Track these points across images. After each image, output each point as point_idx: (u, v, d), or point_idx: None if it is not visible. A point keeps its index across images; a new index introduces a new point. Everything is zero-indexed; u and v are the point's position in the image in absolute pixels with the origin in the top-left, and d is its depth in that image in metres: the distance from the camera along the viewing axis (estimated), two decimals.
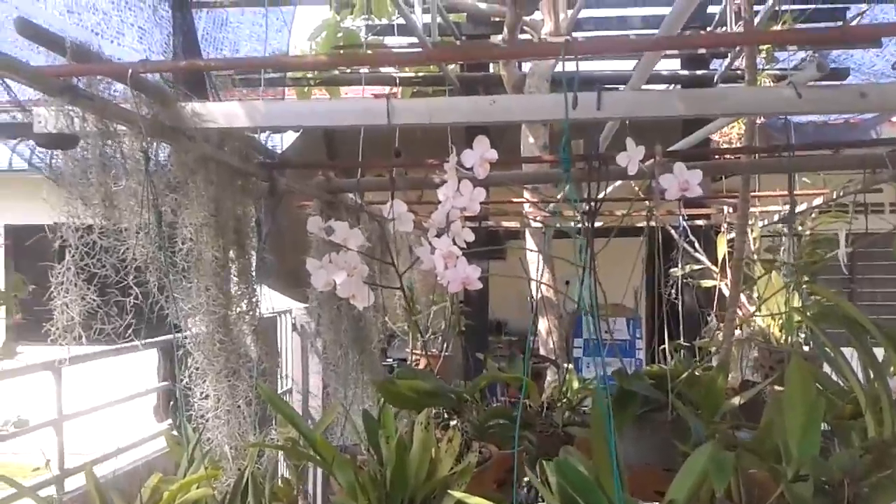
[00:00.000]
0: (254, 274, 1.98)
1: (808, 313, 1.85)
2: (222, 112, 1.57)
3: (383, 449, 1.60)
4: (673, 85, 5.19)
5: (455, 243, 1.96)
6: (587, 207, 1.65)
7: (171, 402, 4.34)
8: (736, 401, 2.23)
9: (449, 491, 1.44)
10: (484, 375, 2.10)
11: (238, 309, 1.93)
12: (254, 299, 1.98)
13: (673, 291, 3.77)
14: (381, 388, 1.75)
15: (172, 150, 1.59)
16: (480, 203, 1.86)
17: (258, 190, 2.03)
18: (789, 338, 2.94)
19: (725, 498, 1.52)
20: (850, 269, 6.82)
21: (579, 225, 1.60)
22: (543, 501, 3.11)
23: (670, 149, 1.96)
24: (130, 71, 1.39)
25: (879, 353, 1.84)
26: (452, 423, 1.97)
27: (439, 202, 1.84)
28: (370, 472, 1.57)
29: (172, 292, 1.65)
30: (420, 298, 4.10)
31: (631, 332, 10.60)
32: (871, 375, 1.84)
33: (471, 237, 2.01)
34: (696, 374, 2.01)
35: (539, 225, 4.10)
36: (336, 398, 2.70)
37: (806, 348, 2.97)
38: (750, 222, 3.95)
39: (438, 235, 1.93)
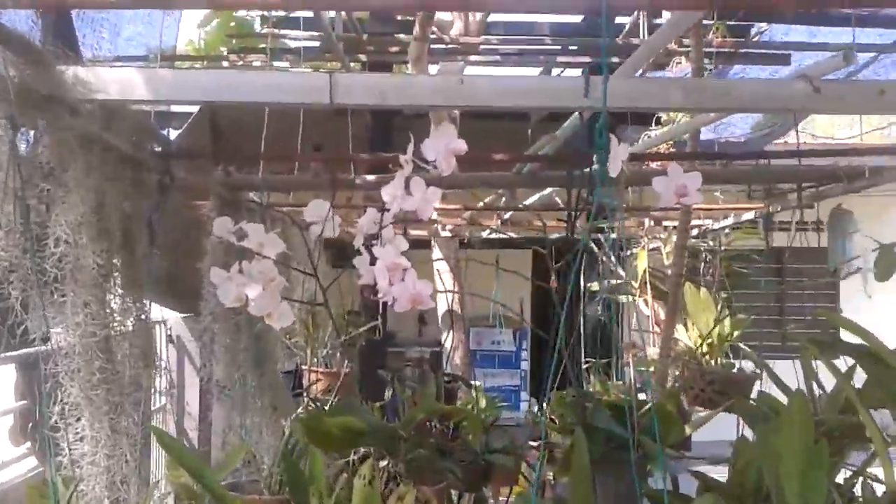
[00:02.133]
0: (143, 285, 1.62)
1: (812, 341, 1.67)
2: (116, 80, 1.22)
3: None
4: None
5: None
6: (569, 215, 1.40)
7: (31, 424, 3.83)
8: (687, 429, 2.04)
9: None
10: (421, 407, 1.82)
11: (123, 328, 1.57)
12: (143, 316, 1.62)
13: (581, 306, 3.60)
14: (306, 427, 1.43)
15: (47, 126, 1.23)
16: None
17: (151, 184, 1.67)
18: (718, 358, 2.81)
19: None
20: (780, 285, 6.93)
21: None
22: None
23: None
24: None
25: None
26: (382, 463, 1.67)
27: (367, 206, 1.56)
28: None
29: (43, 307, 1.28)
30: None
31: (517, 343, 10.57)
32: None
33: (404, 246, 1.73)
34: (658, 406, 1.80)
35: (448, 234, 3.85)
36: (231, 429, 2.34)
37: (734, 370, 2.85)
38: (663, 236, 3.85)
39: (366, 244, 1.64)
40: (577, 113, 1.92)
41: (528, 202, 3.18)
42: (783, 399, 1.97)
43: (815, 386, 2.21)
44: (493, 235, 4.56)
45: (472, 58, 4.61)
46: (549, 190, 2.88)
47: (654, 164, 3.00)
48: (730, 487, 1.54)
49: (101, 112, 1.47)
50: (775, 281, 7.58)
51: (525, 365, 10.48)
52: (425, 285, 1.37)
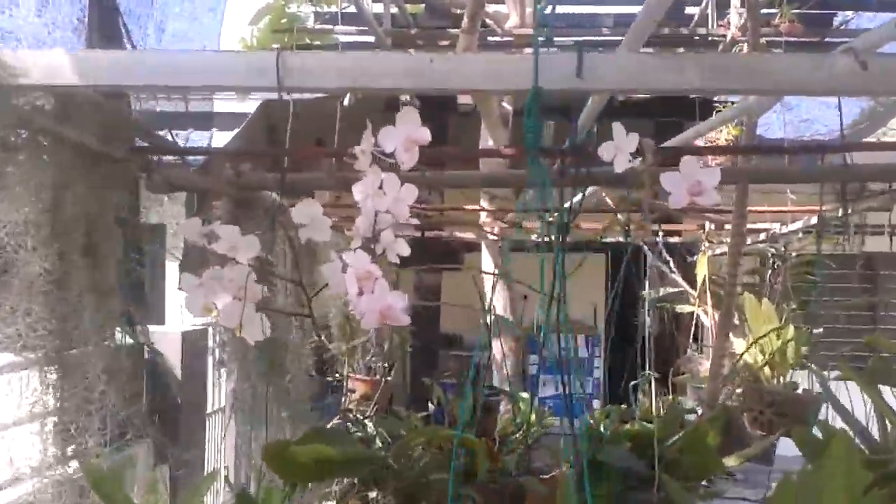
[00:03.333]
0: (111, 293, 1.49)
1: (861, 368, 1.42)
2: (40, 64, 1.08)
3: None
4: None
5: (378, 259, 1.50)
6: (557, 219, 1.20)
7: None
8: (731, 461, 1.80)
9: None
10: (419, 433, 1.64)
11: (88, 344, 1.43)
12: (109, 329, 1.48)
13: (639, 315, 3.35)
14: (270, 458, 1.27)
15: None
16: (432, 210, 1.42)
17: (125, 182, 1.54)
18: (782, 376, 2.53)
19: None
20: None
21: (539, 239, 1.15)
22: None
23: (662, 146, 1.54)
24: None
25: None
26: (371, 495, 1.50)
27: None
28: None
29: None
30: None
31: (589, 350, 10.27)
32: None
33: (406, 250, 1.55)
34: (694, 434, 1.56)
35: (495, 238, 3.65)
36: (242, 441, 2.21)
37: (800, 390, 2.56)
38: (728, 241, 3.55)
39: (364, 247, 1.47)
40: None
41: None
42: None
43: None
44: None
45: (527, 50, 4.39)
46: (590, 190, 2.65)
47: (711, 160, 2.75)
48: None
49: (56, 102, 1.34)
50: (865, 289, 7.07)
51: (598, 372, 10.17)
52: (398, 298, 1.19)
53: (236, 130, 5.35)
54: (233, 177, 2.12)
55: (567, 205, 1.50)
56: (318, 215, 1.43)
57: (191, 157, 2.11)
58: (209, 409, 4.90)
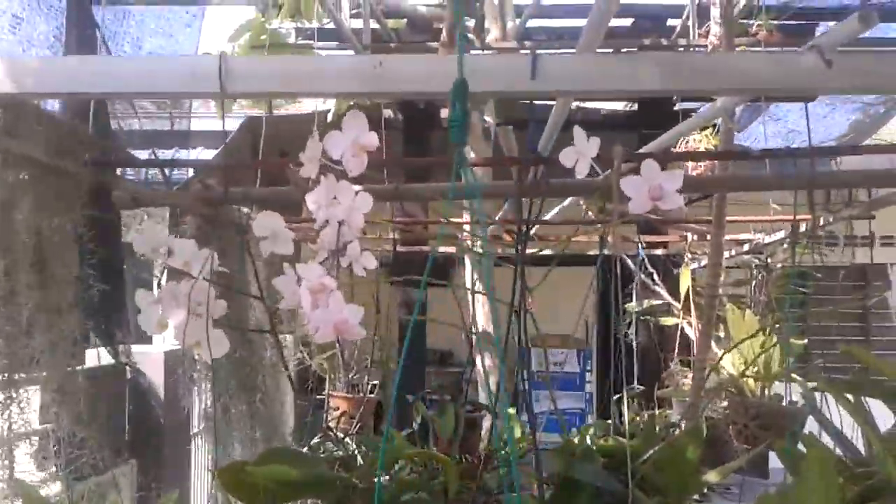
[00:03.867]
0: (67, 311, 1.43)
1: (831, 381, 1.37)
2: None
3: None
4: (631, 103, 4.78)
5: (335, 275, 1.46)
6: (518, 228, 1.16)
7: (55, 448, 3.74)
8: (711, 477, 1.74)
9: None
10: (391, 448, 1.58)
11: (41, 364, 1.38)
12: (67, 349, 1.43)
13: (628, 328, 3.31)
14: (226, 480, 1.22)
15: None
16: (412, 224, 1.37)
17: (77, 197, 1.49)
18: (766, 390, 2.48)
19: None
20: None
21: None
22: None
23: (636, 152, 1.50)
24: None
25: None
26: None
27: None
28: None
29: None
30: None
31: (581, 364, 10.21)
32: None
33: (372, 263, 1.50)
34: (668, 449, 1.51)
35: (478, 251, 3.60)
36: (214, 462, 2.15)
37: (784, 403, 2.51)
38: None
39: (330, 260, 1.43)
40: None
41: (548, 216, 2.93)
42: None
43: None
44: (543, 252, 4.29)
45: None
46: (568, 201, 2.62)
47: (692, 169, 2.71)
48: None
49: (5, 114, 1.30)
50: (855, 300, 7.05)
51: (590, 387, 10.12)
52: (353, 311, 1.14)
53: (219, 149, 5.32)
54: (200, 191, 2.08)
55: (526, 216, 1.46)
56: (280, 228, 1.39)
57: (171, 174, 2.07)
58: (194, 430, 4.83)
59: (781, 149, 1.34)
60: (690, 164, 3.67)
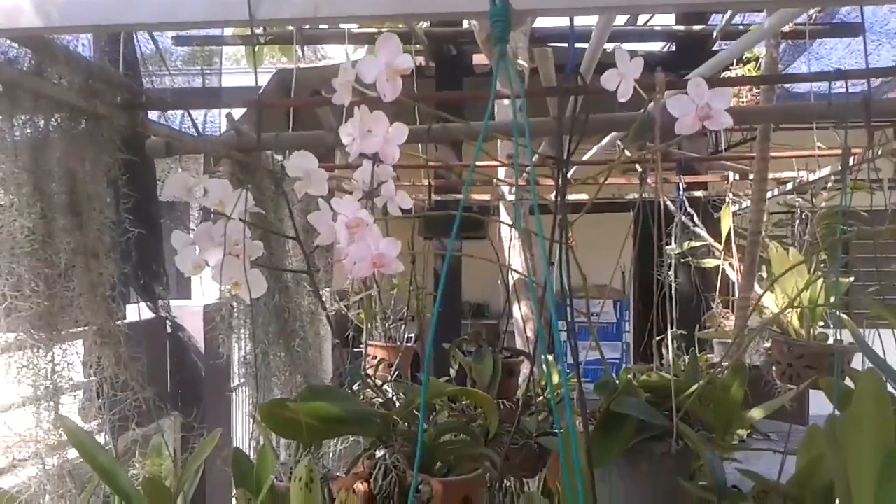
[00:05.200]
0: (104, 257, 1.43)
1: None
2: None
3: None
4: (669, 44, 4.66)
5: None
6: (558, 163, 1.13)
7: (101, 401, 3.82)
8: (756, 414, 1.71)
9: None
10: (432, 385, 1.58)
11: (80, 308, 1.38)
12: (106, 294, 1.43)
13: (668, 272, 3.25)
14: (267, 415, 1.22)
15: None
16: (447, 168, 1.33)
17: (111, 140, 1.48)
18: (811, 328, 2.43)
19: None
20: None
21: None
22: None
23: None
24: None
25: None
26: (379, 453, 1.44)
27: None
28: None
29: None
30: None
31: (618, 314, 10.17)
32: None
33: (408, 203, 1.48)
34: (711, 385, 1.48)
35: (512, 197, 3.55)
36: (253, 405, 2.17)
37: (830, 341, 2.46)
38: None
39: (365, 200, 1.41)
40: None
41: (586, 156, 2.86)
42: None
43: None
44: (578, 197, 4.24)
45: None
46: (606, 140, 2.55)
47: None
48: (791, 490, 1.22)
49: (33, 54, 1.29)
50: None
51: (627, 337, 10.09)
52: (390, 245, 1.12)
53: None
54: (233, 137, 2.07)
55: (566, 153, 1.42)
56: (314, 168, 1.37)
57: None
58: (234, 383, 4.90)
59: (832, 71, 1.28)
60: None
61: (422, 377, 1.49)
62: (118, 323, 1.45)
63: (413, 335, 3.83)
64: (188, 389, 4.45)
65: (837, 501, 1.16)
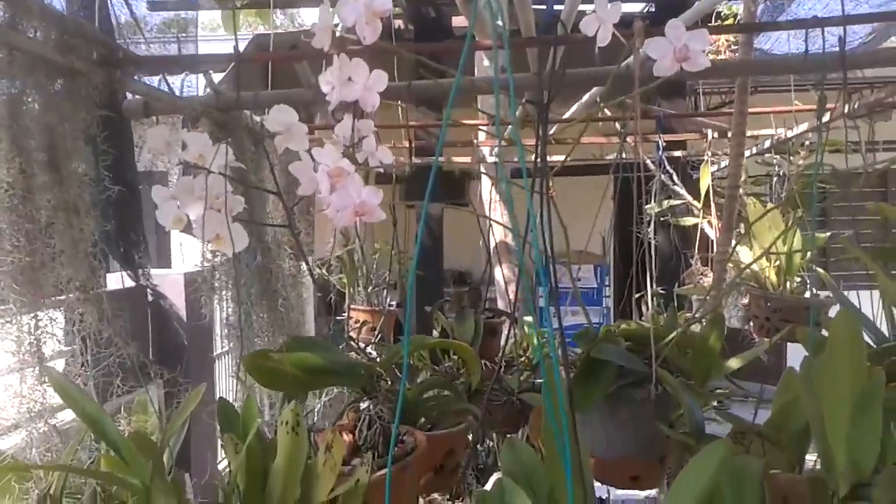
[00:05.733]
0: (82, 210, 1.42)
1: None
2: None
3: (231, 462, 1.10)
4: (649, 4, 4.65)
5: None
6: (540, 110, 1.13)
7: (82, 366, 3.81)
8: (733, 363, 1.75)
9: None
10: (411, 340, 1.59)
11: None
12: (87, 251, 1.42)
13: (647, 229, 3.27)
14: (251, 366, 1.23)
15: None
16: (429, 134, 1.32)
17: (89, 97, 1.47)
18: (788, 283, 2.47)
19: None
20: None
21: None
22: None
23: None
24: None
25: None
26: (363, 405, 1.46)
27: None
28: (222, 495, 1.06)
29: None
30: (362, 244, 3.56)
31: (598, 279, 10.23)
32: None
33: (389, 158, 1.48)
34: (688, 333, 1.51)
35: (493, 159, 3.56)
36: (237, 372, 2.17)
37: (806, 295, 2.50)
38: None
39: (345, 155, 1.41)
40: None
41: (567, 115, 2.86)
42: None
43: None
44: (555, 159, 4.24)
45: None
46: (587, 96, 2.55)
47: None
48: (767, 431, 1.25)
49: (6, 7, 1.27)
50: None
51: (608, 301, 10.17)
52: (372, 193, 1.12)
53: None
54: (211, 97, 2.05)
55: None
56: (294, 122, 1.37)
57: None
58: (217, 351, 4.90)
59: (809, 18, 1.29)
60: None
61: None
62: (100, 278, 1.45)
63: (396, 302, 3.85)
64: (170, 357, 4.44)
65: (813, 440, 1.19)
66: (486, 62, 4.00)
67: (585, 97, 3.04)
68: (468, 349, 1.82)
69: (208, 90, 2.07)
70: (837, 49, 1.42)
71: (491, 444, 3.67)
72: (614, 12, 1.07)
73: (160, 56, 1.77)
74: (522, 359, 2.98)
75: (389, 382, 1.55)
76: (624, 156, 3.18)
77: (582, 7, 1.97)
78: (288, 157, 2.09)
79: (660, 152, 3.11)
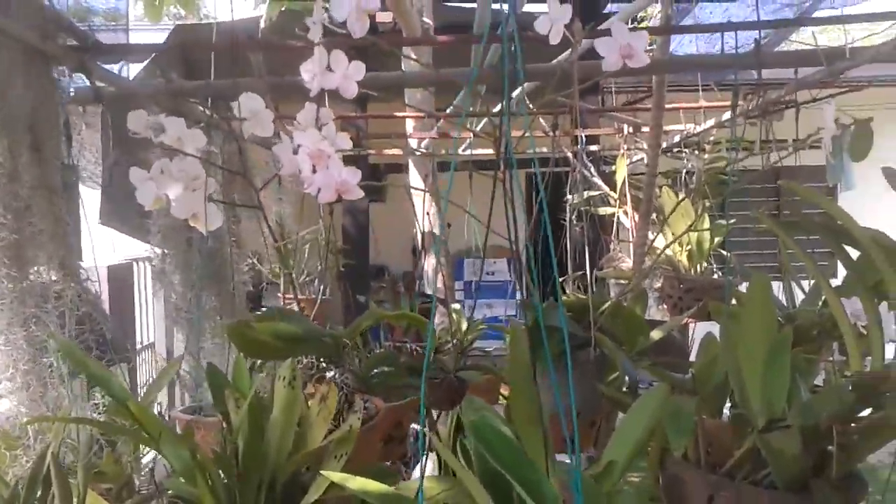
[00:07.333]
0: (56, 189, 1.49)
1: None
2: None
3: (232, 415, 1.20)
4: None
5: None
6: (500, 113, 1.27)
7: None
8: (655, 335, 1.94)
9: (321, 472, 1.05)
10: (367, 315, 1.72)
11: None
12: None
13: (568, 221, 3.48)
14: (233, 334, 1.33)
15: None
16: (357, 126, 1.43)
17: (61, 81, 1.53)
18: (698, 266, 2.71)
19: (682, 458, 1.21)
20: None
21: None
22: (433, 452, 2.78)
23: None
24: None
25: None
26: (329, 374, 1.58)
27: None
28: (220, 446, 1.16)
29: None
30: (291, 233, 3.63)
31: (512, 272, 10.46)
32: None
33: (347, 144, 1.60)
34: (620, 306, 1.69)
35: (424, 151, 3.69)
36: (188, 351, 2.24)
37: (716, 276, 2.75)
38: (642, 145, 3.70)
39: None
40: None
41: (496, 109, 3.02)
42: None
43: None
44: (470, 152, 4.41)
45: None
46: (516, 92, 2.70)
47: None
48: (691, 385, 1.44)
49: None
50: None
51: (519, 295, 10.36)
52: (352, 173, 1.24)
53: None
54: (163, 84, 2.12)
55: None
56: (262, 109, 1.47)
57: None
58: (138, 345, 4.87)
59: (725, 22, 1.48)
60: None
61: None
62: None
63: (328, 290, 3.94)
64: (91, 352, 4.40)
65: (731, 390, 1.38)
66: (412, 56, 4.12)
67: (516, 92, 3.21)
68: (422, 320, 1.96)
69: (160, 78, 2.14)
70: (741, 51, 1.62)
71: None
72: (566, 11, 1.23)
73: (132, 44, 1.83)
74: (455, 342, 3.14)
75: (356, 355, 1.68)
76: (545, 150, 3.39)
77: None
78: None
79: (581, 146, 3.32)
